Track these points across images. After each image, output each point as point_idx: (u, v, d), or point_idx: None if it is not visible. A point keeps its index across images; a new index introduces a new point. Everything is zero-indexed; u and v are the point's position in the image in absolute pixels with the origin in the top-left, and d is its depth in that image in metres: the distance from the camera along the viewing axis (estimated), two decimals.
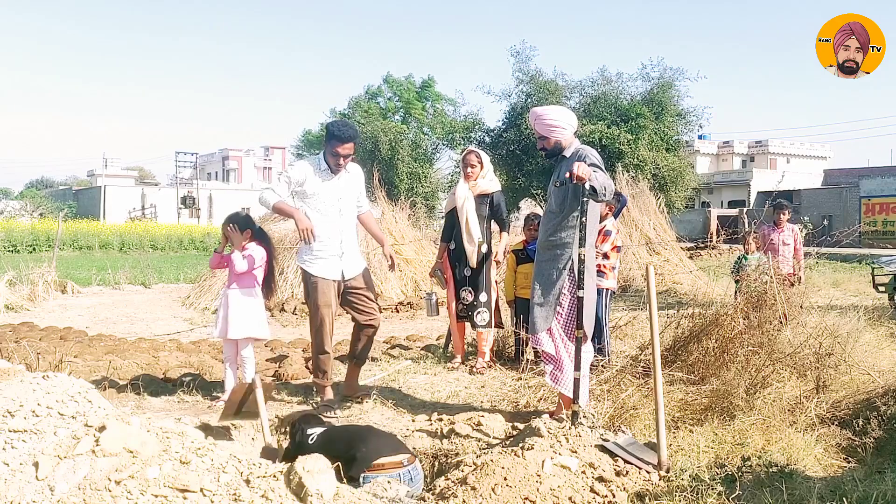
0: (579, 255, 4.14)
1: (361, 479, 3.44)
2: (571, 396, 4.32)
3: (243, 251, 5.10)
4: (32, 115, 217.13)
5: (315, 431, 3.80)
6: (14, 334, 8.39)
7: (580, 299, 4.15)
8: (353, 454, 3.52)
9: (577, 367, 4.15)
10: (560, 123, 4.49)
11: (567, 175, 4.05)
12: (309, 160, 5.26)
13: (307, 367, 6.28)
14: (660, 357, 3.77)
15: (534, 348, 5.79)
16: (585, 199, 4.10)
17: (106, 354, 7.15)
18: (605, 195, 4.10)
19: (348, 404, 5.11)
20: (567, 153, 4.50)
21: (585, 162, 4.16)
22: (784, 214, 8.50)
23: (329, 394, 5.14)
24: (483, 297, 6.17)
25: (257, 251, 5.16)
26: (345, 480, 3.30)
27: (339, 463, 3.34)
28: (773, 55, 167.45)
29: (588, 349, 4.46)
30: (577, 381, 4.17)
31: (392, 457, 3.57)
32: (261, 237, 5.28)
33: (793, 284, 7.37)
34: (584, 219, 4.13)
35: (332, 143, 5.04)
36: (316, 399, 5.17)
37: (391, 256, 5.35)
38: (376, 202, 14.17)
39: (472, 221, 6.09)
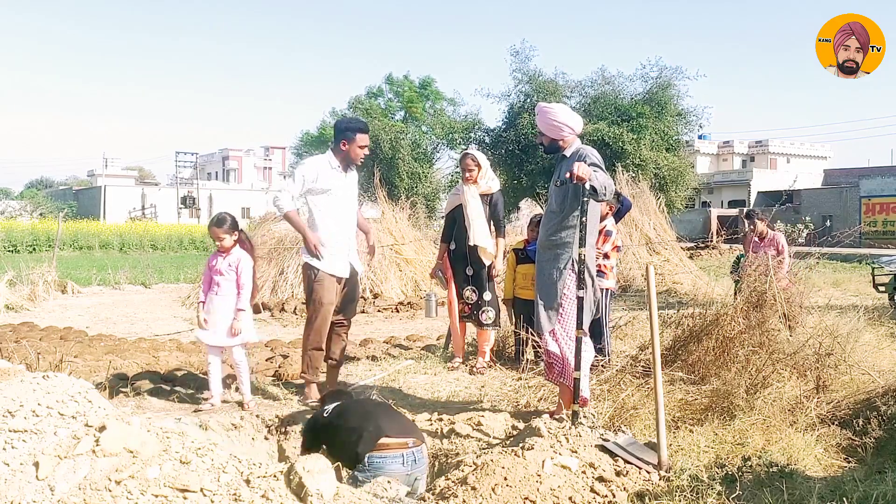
0: (580, 254, 4.15)
1: (367, 459, 3.50)
2: (581, 392, 4.37)
3: (229, 255, 5.01)
4: (32, 115, 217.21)
5: (330, 407, 3.90)
6: (14, 334, 8.40)
7: (580, 299, 4.16)
8: (360, 432, 3.58)
9: (577, 367, 4.16)
10: (563, 124, 4.50)
11: (567, 175, 4.06)
12: (318, 158, 5.32)
13: None
14: (660, 357, 3.77)
15: (534, 348, 5.80)
16: (586, 199, 4.11)
17: (106, 354, 7.15)
18: (605, 195, 4.11)
19: None
20: (567, 153, 4.51)
21: (585, 162, 4.16)
22: (758, 224, 7.63)
23: (315, 392, 5.14)
24: (487, 295, 6.19)
25: (247, 258, 5.05)
26: (350, 459, 3.43)
27: (352, 445, 3.50)
28: (773, 55, 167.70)
29: (588, 349, 4.46)
30: (576, 381, 4.18)
31: (397, 438, 3.60)
32: (244, 240, 5.19)
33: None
34: (584, 218, 4.14)
35: (357, 136, 5.18)
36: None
37: (372, 246, 5.56)
38: (377, 202, 14.18)
39: (482, 224, 6.11)
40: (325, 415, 3.85)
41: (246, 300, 5.01)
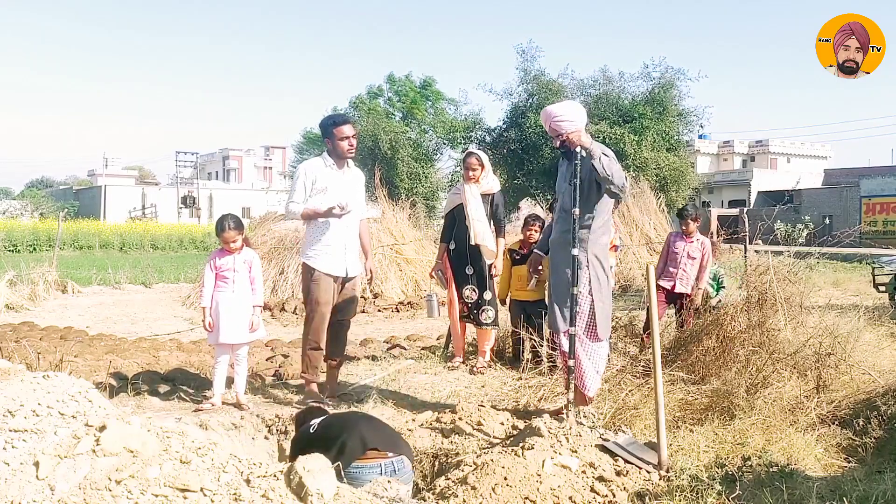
0: (587, 254, 4.29)
1: (345, 473, 3.46)
2: (592, 396, 4.46)
3: (241, 253, 5.07)
4: (32, 115, 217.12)
5: (317, 421, 3.86)
6: (14, 334, 8.40)
7: (573, 296, 4.28)
8: (344, 445, 3.56)
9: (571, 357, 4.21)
10: (567, 117, 4.53)
11: (562, 139, 4.34)
12: (314, 159, 5.33)
13: None
14: (660, 357, 3.78)
15: (533, 348, 5.81)
16: (577, 161, 4.29)
17: (106, 354, 7.16)
18: (611, 180, 4.20)
19: (345, 404, 5.11)
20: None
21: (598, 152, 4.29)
22: (691, 223, 7.07)
23: (315, 391, 5.15)
24: (487, 294, 6.19)
25: (257, 255, 5.19)
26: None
27: (333, 457, 3.41)
28: (773, 55, 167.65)
29: (603, 347, 4.54)
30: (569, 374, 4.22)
31: (379, 450, 3.58)
32: (247, 237, 5.28)
33: (692, 304, 6.68)
34: (576, 181, 4.32)
35: (337, 130, 5.13)
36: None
37: (370, 270, 5.47)
38: (377, 202, 14.18)
39: (483, 223, 6.10)
40: (311, 430, 3.80)
41: (261, 296, 5.16)
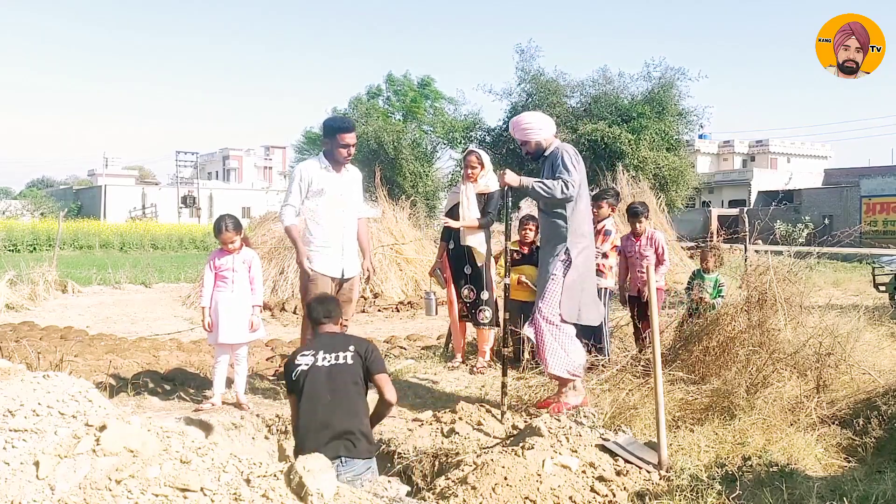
0: (567, 249, 4.61)
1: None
2: (566, 377, 4.61)
3: (240, 253, 5.07)
4: (32, 115, 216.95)
5: (301, 365, 3.57)
6: (14, 333, 8.40)
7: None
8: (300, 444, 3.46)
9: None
10: (533, 126, 4.79)
11: (500, 184, 4.70)
12: (310, 159, 5.37)
13: None
14: (660, 357, 3.78)
15: (531, 350, 5.82)
16: (510, 199, 4.68)
17: (106, 354, 7.16)
18: (554, 198, 4.54)
19: None
20: (547, 153, 4.79)
21: (561, 159, 4.60)
22: (641, 222, 6.50)
23: None
24: (485, 294, 6.18)
25: (256, 255, 5.19)
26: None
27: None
28: (773, 55, 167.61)
29: (569, 328, 4.67)
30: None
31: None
32: (247, 237, 5.29)
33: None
34: (509, 221, 4.79)
35: (339, 136, 5.17)
36: None
37: (369, 269, 5.46)
38: (377, 201, 14.19)
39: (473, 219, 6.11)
40: (294, 375, 3.55)
41: (260, 295, 5.17)
